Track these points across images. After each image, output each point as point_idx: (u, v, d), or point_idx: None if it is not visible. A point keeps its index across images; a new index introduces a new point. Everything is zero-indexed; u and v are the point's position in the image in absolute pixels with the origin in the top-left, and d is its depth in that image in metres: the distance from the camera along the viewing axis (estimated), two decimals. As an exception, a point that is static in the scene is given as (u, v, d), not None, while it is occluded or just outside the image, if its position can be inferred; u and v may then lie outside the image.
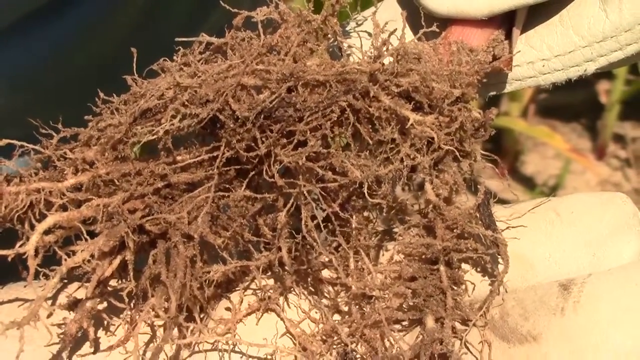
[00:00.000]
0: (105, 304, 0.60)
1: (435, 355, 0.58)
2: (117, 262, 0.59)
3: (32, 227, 0.58)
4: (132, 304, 0.60)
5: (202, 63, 0.62)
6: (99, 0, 0.85)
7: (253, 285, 0.64)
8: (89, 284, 0.58)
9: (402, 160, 0.61)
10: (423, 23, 0.63)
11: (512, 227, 0.61)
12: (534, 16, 0.68)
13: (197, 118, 0.59)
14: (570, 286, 0.56)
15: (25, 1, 0.79)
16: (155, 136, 0.60)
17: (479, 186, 0.62)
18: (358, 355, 0.61)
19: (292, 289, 0.64)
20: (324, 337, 0.62)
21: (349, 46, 0.65)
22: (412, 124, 0.61)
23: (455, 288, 0.61)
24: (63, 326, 0.58)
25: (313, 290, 0.64)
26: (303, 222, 0.61)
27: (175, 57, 0.63)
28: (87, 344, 0.59)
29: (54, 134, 0.61)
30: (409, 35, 0.64)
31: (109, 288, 0.60)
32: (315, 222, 0.60)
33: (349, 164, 0.60)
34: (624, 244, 0.59)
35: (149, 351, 0.59)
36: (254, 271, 0.63)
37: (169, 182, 0.61)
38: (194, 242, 0.59)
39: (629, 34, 0.65)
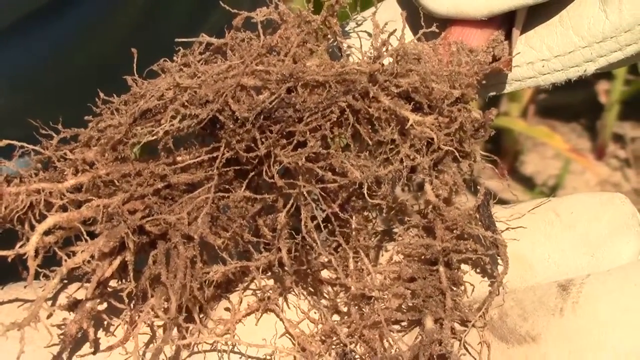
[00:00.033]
0: (105, 305, 0.60)
1: (434, 356, 0.58)
2: (117, 262, 0.59)
3: (32, 227, 0.58)
4: (131, 305, 0.60)
5: (202, 63, 0.62)
6: (99, 0, 0.85)
7: (252, 286, 0.64)
8: (88, 285, 0.58)
9: (401, 161, 0.61)
10: (423, 23, 0.63)
11: (512, 227, 0.61)
12: (533, 17, 0.68)
13: (197, 119, 0.59)
14: (569, 287, 0.56)
15: (25, 1, 0.79)
16: (155, 137, 0.60)
17: (478, 187, 0.62)
18: (357, 356, 0.61)
19: (291, 290, 0.64)
20: (323, 338, 0.62)
21: (349, 47, 0.65)
22: (411, 125, 0.61)
23: (455, 289, 0.61)
24: (63, 327, 0.58)
25: (312, 290, 0.64)
26: (303, 222, 0.61)
27: (175, 58, 0.63)
28: (87, 344, 0.59)
29: (54, 134, 0.61)
30: (409, 36, 0.64)
31: (108, 289, 0.60)
32: (315, 222, 0.60)
33: (349, 165, 0.60)
34: (623, 244, 0.59)
35: (149, 352, 0.59)
36: (253, 272, 0.63)
37: (168, 182, 0.61)
38: (194, 242, 0.59)
39: (629, 34, 0.65)
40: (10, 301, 0.60)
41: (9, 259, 0.56)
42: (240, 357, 0.61)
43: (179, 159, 0.62)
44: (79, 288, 0.61)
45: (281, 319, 0.63)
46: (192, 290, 0.59)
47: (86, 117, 0.62)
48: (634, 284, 0.54)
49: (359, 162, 0.61)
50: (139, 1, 0.88)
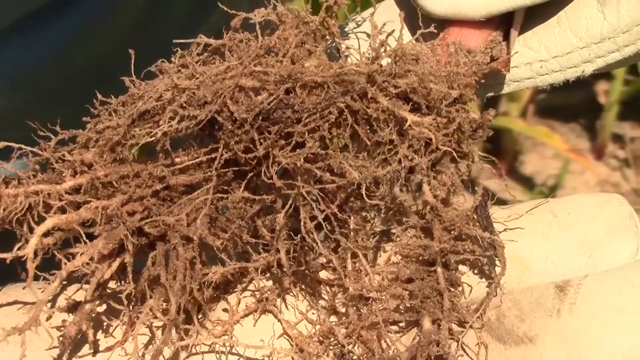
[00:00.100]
0: (104, 306, 0.60)
1: (432, 357, 0.58)
2: (116, 264, 0.59)
3: (31, 229, 0.58)
4: (131, 306, 0.60)
5: (200, 65, 0.62)
6: (99, 0, 0.85)
7: (250, 287, 0.64)
8: (87, 286, 0.58)
9: (400, 161, 0.61)
10: (421, 24, 0.63)
11: (510, 228, 0.61)
12: (531, 17, 0.68)
13: (195, 120, 0.59)
14: (566, 287, 0.56)
15: (25, 1, 0.79)
16: (153, 138, 0.60)
17: (476, 188, 0.62)
18: (355, 357, 0.61)
19: (290, 291, 0.64)
20: (321, 339, 0.62)
21: (347, 47, 0.65)
22: (409, 125, 0.61)
23: (452, 290, 0.61)
24: (62, 329, 0.58)
25: (311, 291, 0.64)
26: (302, 222, 0.61)
27: (173, 59, 0.63)
28: (87, 346, 0.59)
29: (52, 136, 0.61)
30: (407, 37, 0.64)
31: (107, 290, 0.60)
32: (314, 222, 0.61)
33: (347, 165, 0.60)
34: (620, 245, 0.59)
35: (148, 353, 0.59)
36: (252, 272, 0.63)
37: (167, 184, 0.61)
38: (193, 244, 0.59)
39: (627, 35, 0.65)
40: (9, 303, 0.60)
41: (8, 261, 0.56)
42: (239, 358, 0.61)
43: (177, 160, 0.62)
44: (78, 289, 0.61)
45: (279, 320, 0.63)
46: (191, 291, 0.59)
47: (84, 119, 0.62)
48: (631, 284, 0.54)
49: (358, 162, 0.61)
50: (139, 1, 0.88)
